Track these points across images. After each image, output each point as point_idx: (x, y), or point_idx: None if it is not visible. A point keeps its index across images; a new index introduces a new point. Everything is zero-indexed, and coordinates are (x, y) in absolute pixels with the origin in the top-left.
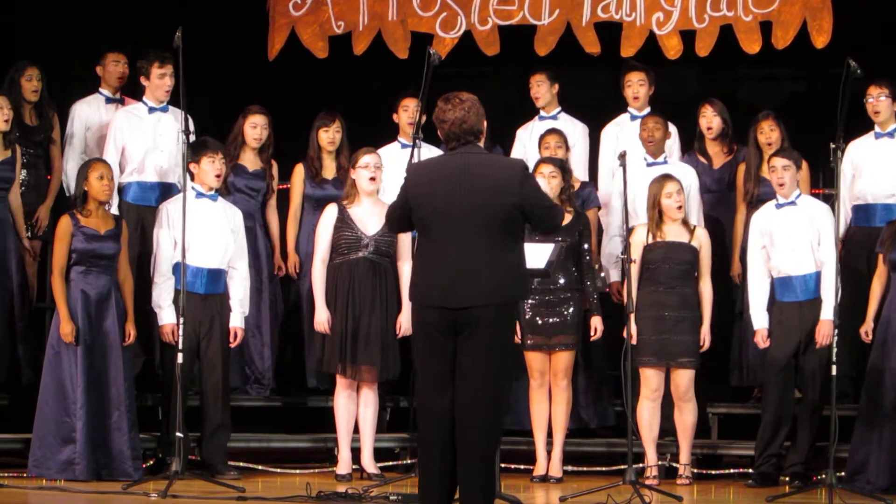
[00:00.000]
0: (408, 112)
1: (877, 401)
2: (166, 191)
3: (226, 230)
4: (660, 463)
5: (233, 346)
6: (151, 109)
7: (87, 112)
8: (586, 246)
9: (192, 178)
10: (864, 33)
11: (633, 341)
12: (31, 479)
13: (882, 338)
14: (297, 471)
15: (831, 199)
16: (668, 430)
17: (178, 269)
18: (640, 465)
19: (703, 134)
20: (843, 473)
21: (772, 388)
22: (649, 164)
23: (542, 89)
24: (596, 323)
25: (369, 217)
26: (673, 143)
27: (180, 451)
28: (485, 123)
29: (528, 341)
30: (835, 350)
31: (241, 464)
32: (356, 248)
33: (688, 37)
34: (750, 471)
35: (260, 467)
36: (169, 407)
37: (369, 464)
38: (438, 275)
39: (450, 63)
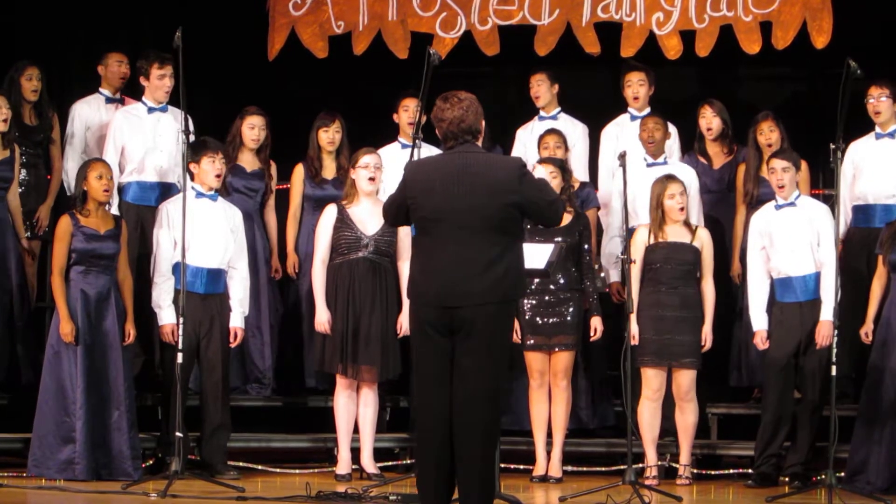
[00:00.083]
0: (408, 112)
1: (877, 401)
2: (166, 191)
3: (226, 230)
4: (659, 463)
5: (233, 346)
6: (151, 109)
7: (88, 112)
8: (586, 246)
9: (192, 178)
10: (864, 33)
11: (635, 342)
12: (31, 479)
13: (882, 338)
14: (297, 471)
15: (831, 200)
16: (668, 430)
17: (178, 269)
18: (640, 465)
19: (703, 134)
20: (842, 474)
21: (771, 388)
22: (649, 165)
23: (542, 89)
24: (596, 323)
25: (369, 217)
26: (673, 144)
27: (180, 451)
28: (483, 123)
29: (528, 341)
30: (834, 350)
31: (241, 464)
32: (356, 248)
33: (688, 37)
34: (749, 471)
35: (260, 467)
36: (169, 407)
37: (369, 464)
38: (436, 274)
39: (450, 63)
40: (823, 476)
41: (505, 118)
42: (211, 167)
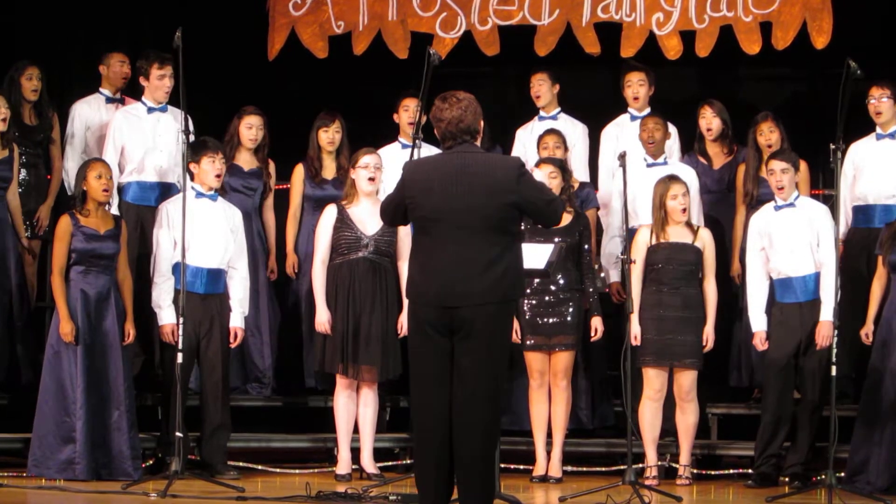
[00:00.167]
0: (408, 112)
1: (877, 402)
2: (166, 191)
3: (225, 230)
4: (659, 463)
5: (233, 346)
6: (150, 109)
7: (88, 112)
8: (586, 246)
9: (192, 178)
10: (864, 34)
11: (636, 342)
12: (31, 479)
13: (882, 339)
14: (297, 471)
15: (831, 201)
16: (668, 430)
17: (178, 269)
18: (640, 465)
19: (703, 135)
20: (842, 474)
21: (771, 388)
22: (649, 165)
23: (543, 88)
24: (596, 324)
25: (369, 217)
26: (673, 144)
27: (180, 451)
28: (482, 123)
29: (528, 341)
30: (834, 350)
31: (241, 464)
32: (356, 249)
33: (688, 37)
34: (749, 471)
35: (259, 467)
36: (169, 407)
37: (369, 464)
38: (435, 273)
39: (450, 63)
40: (823, 476)
41: (505, 118)
42: (211, 167)
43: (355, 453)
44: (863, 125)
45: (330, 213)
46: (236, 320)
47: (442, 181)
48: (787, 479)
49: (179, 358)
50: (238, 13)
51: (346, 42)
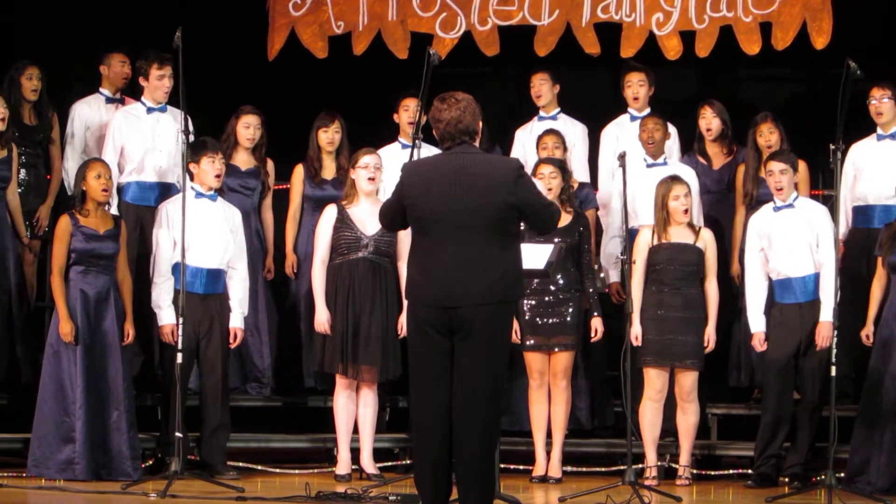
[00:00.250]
0: (408, 112)
1: (877, 403)
2: (165, 191)
3: (225, 230)
4: (659, 464)
5: (232, 346)
6: (150, 110)
7: (87, 112)
8: (586, 247)
9: (192, 178)
10: (864, 34)
11: (637, 342)
12: (31, 479)
13: (882, 340)
14: (297, 471)
15: (830, 201)
16: (668, 430)
17: (178, 269)
18: (640, 465)
19: (703, 135)
20: (842, 474)
21: (771, 389)
22: (649, 165)
23: (544, 88)
24: (596, 324)
25: (369, 217)
26: (673, 144)
27: (179, 451)
28: (480, 123)
29: (528, 342)
30: (834, 351)
31: (241, 464)
32: (356, 249)
33: (687, 37)
34: (749, 471)
35: (259, 467)
36: (168, 407)
37: (368, 464)
38: (435, 274)
39: (450, 63)
40: (823, 476)
41: (504, 118)
42: (210, 167)
43: (355, 453)
44: (862, 125)
45: (330, 213)
46: (236, 321)
47: (441, 182)
48: (786, 480)
49: (179, 358)
50: (238, 13)
51: (346, 42)
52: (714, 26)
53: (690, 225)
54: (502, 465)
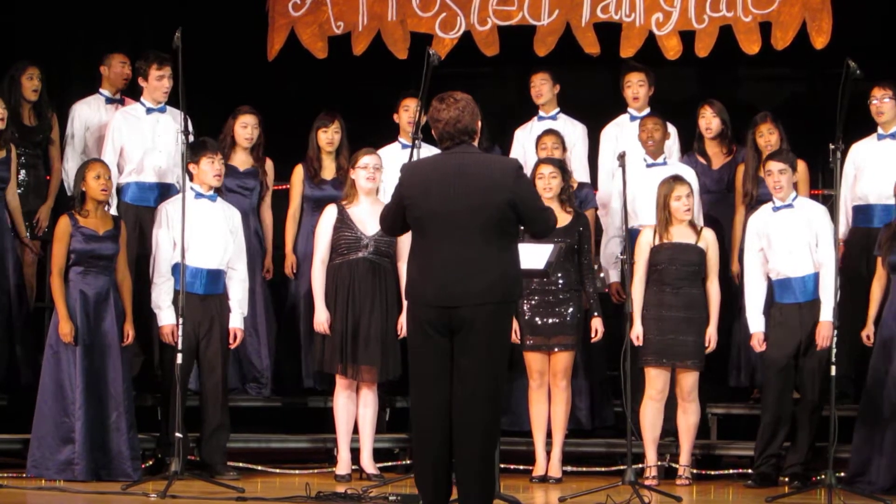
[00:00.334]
0: (408, 112)
1: (878, 404)
2: (165, 191)
3: (225, 231)
4: (659, 463)
5: (232, 346)
6: (149, 110)
7: (87, 112)
8: (586, 246)
9: (192, 179)
10: (863, 33)
11: (638, 342)
12: (30, 480)
13: (882, 340)
14: (297, 471)
15: (830, 201)
16: (668, 430)
17: (178, 269)
18: (640, 465)
19: (703, 135)
20: (843, 474)
21: (771, 388)
22: (649, 165)
23: (544, 88)
24: (596, 324)
25: (369, 217)
26: (672, 144)
27: (179, 452)
28: (479, 123)
29: (528, 342)
30: (834, 351)
31: (241, 464)
32: (356, 249)
33: (687, 37)
34: (749, 471)
35: (259, 468)
36: (168, 407)
37: (368, 464)
38: (434, 274)
39: (449, 63)
40: (823, 476)
41: (504, 118)
42: (210, 167)
43: (355, 454)
44: (862, 125)
45: (330, 214)
46: (236, 321)
47: (440, 182)
48: (786, 479)
49: (179, 358)
50: (238, 13)
51: (346, 42)
52: (714, 26)
53: (692, 225)
54: (502, 465)
